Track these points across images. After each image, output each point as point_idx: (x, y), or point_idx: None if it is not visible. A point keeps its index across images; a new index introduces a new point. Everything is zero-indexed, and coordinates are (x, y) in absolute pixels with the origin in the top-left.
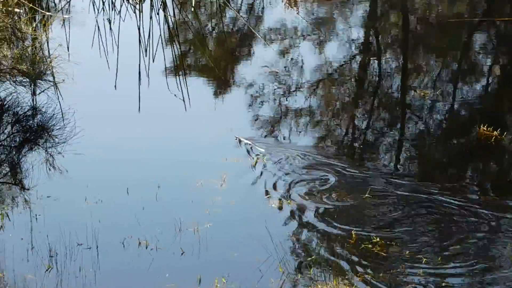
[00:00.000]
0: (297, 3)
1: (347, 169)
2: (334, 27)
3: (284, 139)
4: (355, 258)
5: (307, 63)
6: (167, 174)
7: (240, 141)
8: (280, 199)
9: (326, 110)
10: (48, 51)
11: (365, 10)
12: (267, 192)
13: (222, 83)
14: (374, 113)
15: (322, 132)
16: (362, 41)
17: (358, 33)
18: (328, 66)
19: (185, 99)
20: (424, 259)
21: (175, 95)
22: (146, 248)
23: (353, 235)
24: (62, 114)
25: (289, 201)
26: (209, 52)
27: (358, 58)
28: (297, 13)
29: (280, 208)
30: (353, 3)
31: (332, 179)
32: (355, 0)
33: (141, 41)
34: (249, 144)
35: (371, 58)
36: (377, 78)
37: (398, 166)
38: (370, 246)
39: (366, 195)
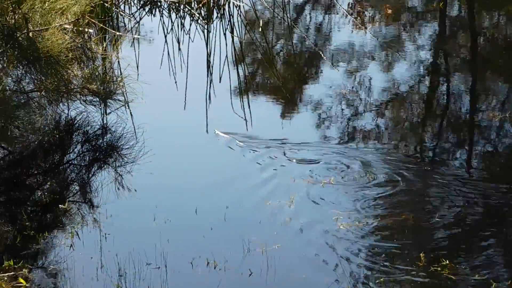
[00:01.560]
0: (365, 23)
1: (415, 190)
2: (402, 47)
3: (350, 159)
4: (424, 281)
5: (375, 84)
6: (236, 195)
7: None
8: (348, 220)
9: (394, 131)
10: (120, 71)
11: (434, 30)
12: (335, 213)
13: (289, 103)
14: (442, 134)
15: (389, 153)
16: (431, 61)
17: (426, 54)
18: (396, 87)
19: (251, 119)
20: (494, 284)
21: (243, 117)
22: (215, 268)
23: (422, 258)
24: (135, 132)
25: (357, 222)
26: (277, 72)
27: (427, 79)
28: (366, 33)
29: (348, 229)
30: (421, 24)
31: (401, 200)
32: (424, 20)
33: (209, 61)
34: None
35: (439, 79)
36: (445, 99)
37: (468, 187)
38: (439, 269)
39: (436, 218)
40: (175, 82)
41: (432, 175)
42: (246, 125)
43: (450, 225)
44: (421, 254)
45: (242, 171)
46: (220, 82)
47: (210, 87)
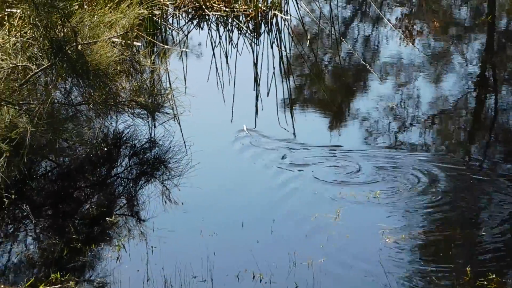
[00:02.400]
0: (413, 36)
1: (463, 204)
2: (450, 61)
3: (397, 172)
4: None
5: (423, 98)
6: (282, 208)
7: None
8: (394, 234)
9: (442, 144)
10: (170, 83)
11: (482, 43)
12: (381, 227)
13: (336, 117)
14: (490, 148)
15: (437, 166)
16: (479, 75)
17: (474, 67)
18: (444, 100)
19: (298, 132)
20: None
21: (289, 130)
22: (261, 281)
23: (468, 272)
24: (184, 145)
25: (403, 236)
26: (324, 86)
27: (474, 92)
28: (413, 47)
29: (395, 243)
30: (469, 37)
31: (448, 213)
32: (472, 34)
33: (256, 74)
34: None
35: (487, 92)
36: (493, 113)
37: None
38: (485, 283)
39: (483, 232)
40: (223, 95)
41: (480, 188)
42: (294, 135)
43: (497, 239)
44: (467, 268)
45: (288, 185)
46: (268, 95)
47: (257, 100)
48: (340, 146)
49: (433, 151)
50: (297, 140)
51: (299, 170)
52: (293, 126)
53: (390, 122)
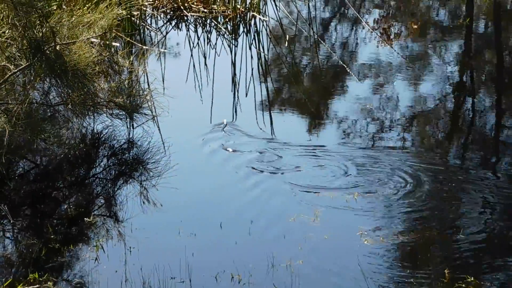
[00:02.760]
0: (391, 38)
1: (441, 206)
2: (428, 63)
3: (375, 174)
4: None
5: (401, 99)
6: (260, 209)
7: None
8: (373, 236)
9: (419, 146)
10: (148, 84)
11: (460, 46)
12: (360, 229)
13: (315, 118)
14: (467, 150)
15: (414, 168)
16: (456, 77)
17: (452, 69)
18: (422, 102)
19: (276, 133)
20: None
21: (268, 131)
22: (239, 282)
23: (446, 274)
24: (163, 146)
25: (382, 238)
26: (303, 87)
27: (452, 94)
28: (391, 48)
29: (373, 245)
30: (447, 39)
31: (426, 215)
32: (450, 36)
33: (235, 75)
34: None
35: (465, 95)
36: (471, 115)
37: (494, 203)
38: (463, 285)
39: (461, 234)
40: (201, 96)
41: (458, 190)
42: (272, 136)
43: (476, 241)
44: (445, 270)
45: (267, 186)
46: (246, 96)
47: (236, 102)
48: (318, 147)
49: (411, 152)
50: (275, 141)
51: (277, 171)
52: (271, 127)
53: (368, 123)
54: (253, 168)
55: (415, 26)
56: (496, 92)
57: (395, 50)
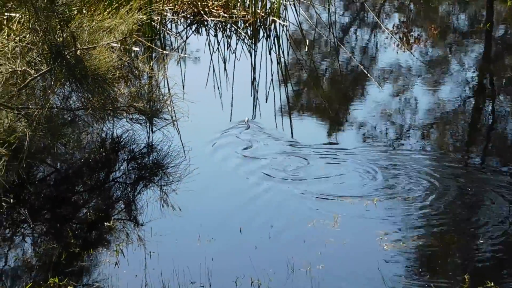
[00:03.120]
0: (410, 43)
1: (461, 211)
2: (448, 68)
3: (394, 179)
4: None
5: (420, 104)
6: (280, 214)
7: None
8: (392, 241)
9: (439, 151)
10: (168, 89)
11: (480, 51)
12: (379, 234)
13: (335, 123)
14: (487, 155)
15: (434, 173)
16: (476, 82)
17: (472, 74)
18: (442, 107)
19: (297, 138)
20: None
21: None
22: (259, 287)
23: (466, 279)
24: (183, 151)
25: (401, 243)
26: (323, 91)
27: (472, 99)
28: (411, 53)
29: (393, 249)
30: (467, 45)
31: (446, 220)
32: (469, 41)
33: (255, 80)
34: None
35: (485, 100)
36: (491, 120)
37: None
38: None
39: (481, 239)
40: (221, 101)
41: (478, 196)
42: (293, 141)
43: (496, 247)
44: (465, 275)
45: (287, 191)
46: (266, 101)
47: (256, 106)
48: (339, 151)
49: (431, 157)
50: (295, 145)
51: (297, 176)
52: (291, 131)
53: (387, 128)
54: (272, 172)
55: (435, 31)
56: None
57: (414, 55)
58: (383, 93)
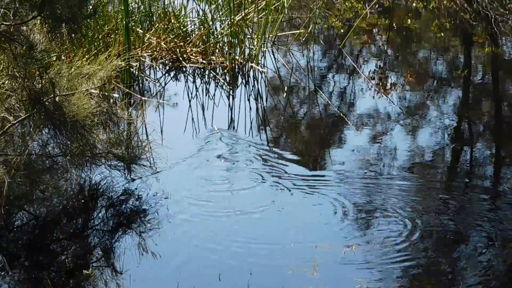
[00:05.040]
0: (387, 89)
1: (440, 260)
2: (426, 113)
3: (372, 225)
4: None
5: (398, 150)
6: (259, 260)
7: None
8: None
9: (417, 197)
10: (147, 135)
11: (458, 97)
12: (358, 281)
13: (312, 167)
14: (466, 202)
15: (412, 220)
16: (454, 128)
17: (450, 120)
18: (420, 152)
19: (273, 182)
20: None
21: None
22: None
23: None
24: (161, 197)
25: None
26: (301, 137)
27: (451, 145)
28: (388, 99)
29: None
30: (445, 90)
31: (426, 268)
32: (448, 87)
33: (233, 126)
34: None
35: (464, 145)
36: (469, 166)
37: (492, 256)
38: None
39: None
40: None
41: (455, 243)
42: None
43: None
44: None
45: (266, 237)
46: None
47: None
48: (315, 197)
49: (410, 201)
50: (271, 190)
51: (275, 220)
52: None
53: (365, 172)
54: (252, 216)
55: (413, 77)
56: (495, 143)
57: (392, 101)
58: (361, 138)
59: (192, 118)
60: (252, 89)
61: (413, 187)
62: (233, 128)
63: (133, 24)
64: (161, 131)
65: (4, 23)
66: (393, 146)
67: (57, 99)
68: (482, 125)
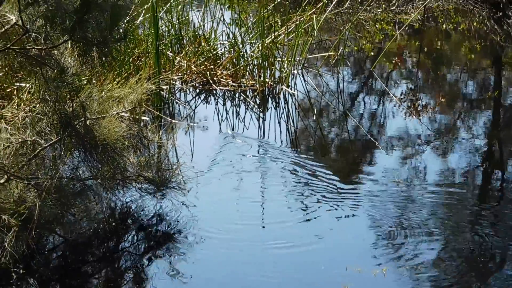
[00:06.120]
0: (418, 111)
1: (472, 280)
2: (456, 135)
3: (403, 249)
4: None
5: (429, 172)
6: (290, 283)
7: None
8: None
9: (449, 218)
10: (177, 158)
11: (488, 118)
12: None
13: (342, 190)
14: (498, 225)
15: (444, 244)
16: (485, 150)
17: (481, 142)
18: (451, 174)
19: (305, 207)
20: None
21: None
22: None
23: None
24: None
25: None
26: (330, 159)
27: (481, 167)
28: (419, 121)
29: None
30: (476, 112)
31: None
32: (478, 109)
33: (264, 149)
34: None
35: (494, 167)
36: (500, 188)
37: None
38: None
39: None
40: (230, 169)
41: (489, 265)
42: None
43: None
44: None
45: (297, 259)
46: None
47: (265, 174)
48: (346, 218)
49: (441, 224)
50: (302, 212)
51: (306, 241)
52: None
53: (395, 195)
54: (284, 240)
55: (443, 99)
56: None
57: (422, 123)
58: (391, 161)
59: (222, 141)
60: (283, 112)
61: (444, 207)
62: (264, 151)
63: (163, 47)
64: (191, 154)
65: (36, 47)
66: (424, 167)
67: (88, 122)
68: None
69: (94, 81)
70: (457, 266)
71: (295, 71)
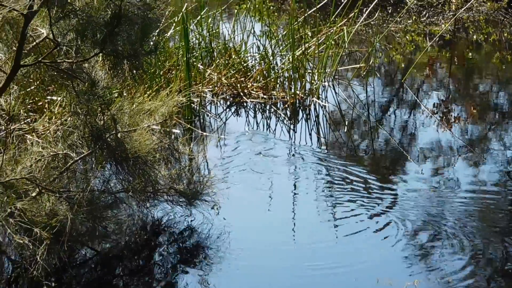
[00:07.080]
0: (450, 123)
1: None
2: (488, 146)
3: (435, 262)
4: None
5: (461, 184)
6: None
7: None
8: None
9: (482, 231)
10: (208, 170)
11: None
12: None
13: (374, 203)
14: None
15: (477, 255)
16: None
17: None
18: (483, 184)
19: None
20: None
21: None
22: None
23: None
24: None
25: None
26: (361, 171)
27: None
28: (451, 132)
29: None
30: (508, 123)
31: None
32: (510, 119)
33: (295, 161)
34: None
35: None
36: None
37: None
38: None
39: None
40: (261, 182)
41: None
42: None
43: None
44: None
45: (327, 269)
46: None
47: (295, 187)
48: (377, 232)
49: (474, 235)
50: (333, 223)
51: (339, 253)
52: (333, 211)
53: (428, 207)
54: (315, 250)
55: (475, 110)
56: None
57: (455, 135)
58: (423, 172)
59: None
60: (314, 124)
61: (477, 218)
62: (295, 163)
63: (194, 60)
64: (223, 166)
65: (67, 60)
66: (456, 178)
67: (119, 135)
68: None
69: (125, 94)
70: (491, 279)
71: (326, 83)
